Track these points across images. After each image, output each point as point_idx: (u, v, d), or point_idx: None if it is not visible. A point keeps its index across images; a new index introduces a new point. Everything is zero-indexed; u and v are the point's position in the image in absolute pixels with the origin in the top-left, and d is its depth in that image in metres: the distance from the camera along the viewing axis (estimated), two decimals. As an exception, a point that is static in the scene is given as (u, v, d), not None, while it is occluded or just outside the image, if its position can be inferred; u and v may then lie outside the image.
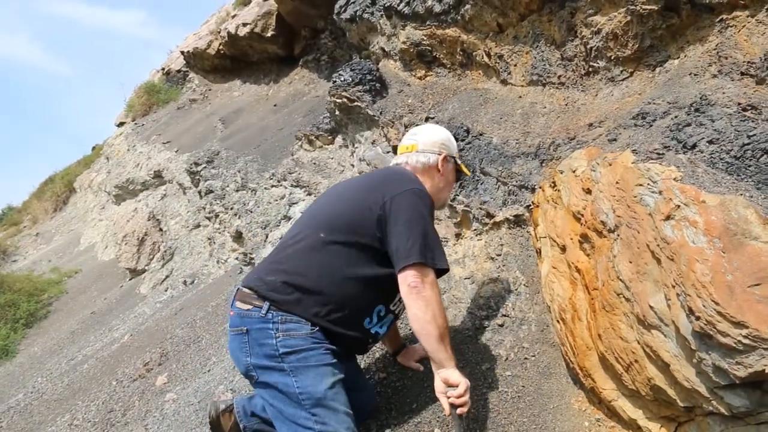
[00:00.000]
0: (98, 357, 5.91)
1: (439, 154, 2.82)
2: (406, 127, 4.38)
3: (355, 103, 5.04)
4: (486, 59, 4.44)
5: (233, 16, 10.56)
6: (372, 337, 2.67)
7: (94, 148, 17.80)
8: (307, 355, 2.37)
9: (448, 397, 2.38)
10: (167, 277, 7.75)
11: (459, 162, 2.96)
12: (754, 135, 2.33)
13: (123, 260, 8.72)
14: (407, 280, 2.35)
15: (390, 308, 2.66)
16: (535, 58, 3.98)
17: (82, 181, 15.19)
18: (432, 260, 2.40)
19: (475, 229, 3.71)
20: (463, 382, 2.37)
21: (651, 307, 2.20)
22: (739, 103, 2.51)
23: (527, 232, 3.41)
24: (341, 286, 2.46)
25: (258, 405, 2.81)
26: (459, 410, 2.38)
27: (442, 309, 2.40)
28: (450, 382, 2.38)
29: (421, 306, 2.34)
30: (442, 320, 2.39)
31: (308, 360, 2.37)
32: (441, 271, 2.49)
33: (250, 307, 2.46)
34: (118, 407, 4.42)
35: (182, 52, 11.93)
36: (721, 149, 2.39)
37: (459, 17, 4.50)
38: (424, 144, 2.84)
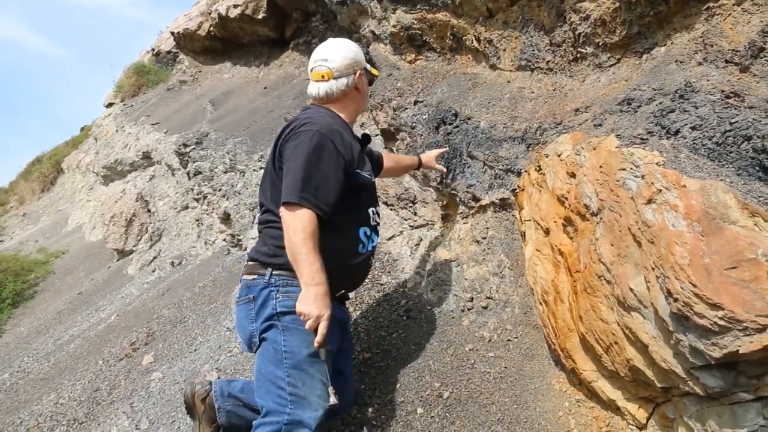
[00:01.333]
0: (85, 337, 5.90)
1: (354, 73, 2.81)
2: (394, 110, 4.38)
3: (345, 87, 5.04)
4: (476, 44, 4.44)
5: (224, -3, 10.48)
6: (371, 255, 2.81)
7: (82, 128, 17.65)
8: (300, 319, 2.40)
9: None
10: (155, 258, 7.72)
11: (369, 68, 2.94)
12: (736, 122, 2.36)
13: (111, 241, 8.67)
14: (282, 214, 2.39)
15: (373, 224, 2.76)
16: (524, 43, 3.99)
17: (70, 162, 15.06)
18: (306, 201, 2.38)
19: (461, 213, 3.73)
20: (305, 311, 2.34)
21: (631, 290, 2.23)
22: (723, 91, 2.53)
23: (512, 215, 3.43)
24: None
25: (237, 386, 2.84)
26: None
27: (307, 237, 2.34)
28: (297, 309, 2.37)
29: (288, 236, 2.36)
30: (307, 244, 2.33)
31: (301, 323, 2.39)
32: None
33: (255, 276, 2.56)
34: (104, 386, 4.43)
35: (172, 33, 11.82)
36: (704, 135, 2.42)
37: (449, 1, 4.50)
38: (338, 69, 2.77)
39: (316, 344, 2.36)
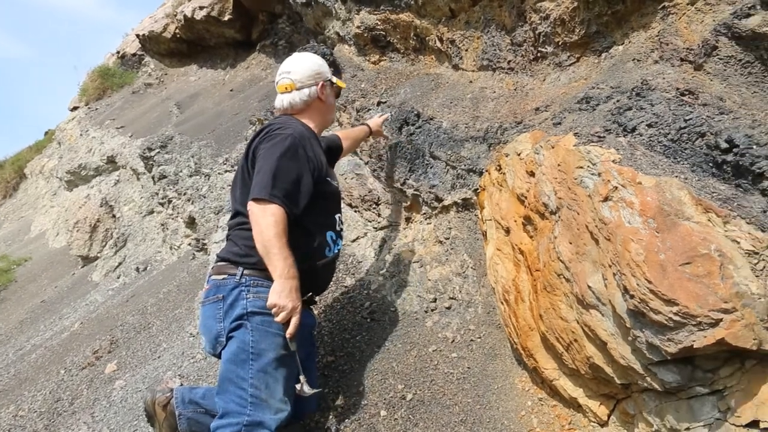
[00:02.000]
0: (47, 346, 5.79)
1: (317, 84, 2.92)
2: (358, 111, 4.37)
3: (309, 87, 5.01)
4: (438, 44, 4.44)
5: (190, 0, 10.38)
6: (336, 259, 2.92)
7: (46, 133, 17.38)
8: (270, 321, 2.44)
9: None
10: (120, 264, 7.61)
11: (335, 80, 3.07)
12: (691, 119, 2.38)
13: (75, 247, 8.53)
14: (251, 211, 2.46)
15: (338, 229, 2.87)
16: (486, 43, 4.00)
17: (33, 167, 14.81)
18: (272, 195, 2.43)
19: (424, 213, 3.73)
20: (280, 303, 2.39)
21: (589, 287, 2.24)
22: (678, 89, 2.55)
23: (475, 215, 3.43)
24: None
25: (199, 393, 2.82)
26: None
27: (277, 233, 2.39)
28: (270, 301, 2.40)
29: (256, 231, 2.43)
30: (277, 240, 2.39)
31: (270, 325, 2.44)
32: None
33: (225, 275, 2.57)
34: (66, 396, 4.35)
35: (138, 36, 11.68)
36: (660, 132, 2.44)
37: (412, 2, 4.50)
38: (300, 81, 2.90)
39: (288, 335, 2.40)
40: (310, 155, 2.63)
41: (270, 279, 2.43)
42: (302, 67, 2.93)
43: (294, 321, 2.39)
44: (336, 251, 2.84)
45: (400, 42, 4.89)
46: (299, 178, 2.54)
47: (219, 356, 2.55)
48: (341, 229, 2.92)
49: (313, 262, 2.67)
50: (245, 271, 2.54)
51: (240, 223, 2.66)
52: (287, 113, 2.92)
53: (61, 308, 7.21)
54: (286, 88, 2.91)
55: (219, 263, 2.66)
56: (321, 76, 2.95)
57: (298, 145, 2.58)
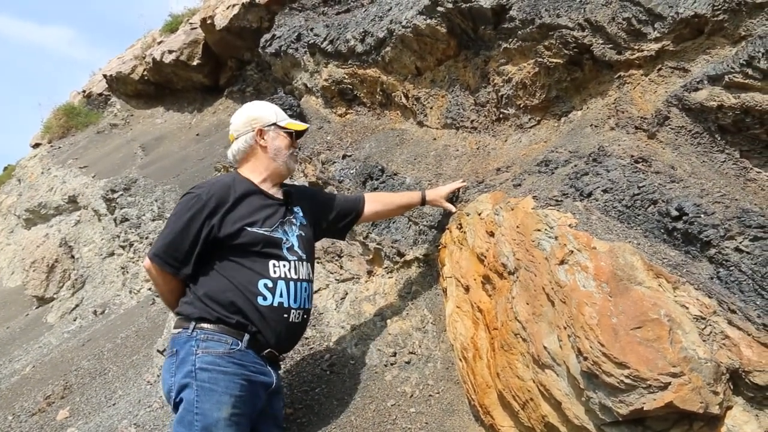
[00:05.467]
0: (-5, 390, 5.63)
1: (253, 130, 2.88)
2: (323, 163, 4.42)
3: (275, 137, 5.06)
4: (404, 100, 4.55)
5: (159, 42, 10.42)
6: (286, 311, 2.74)
7: (5, 168, 17.09)
8: (217, 378, 2.46)
9: None
10: (77, 306, 7.47)
11: (282, 124, 2.96)
12: (644, 186, 2.49)
13: (30, 287, 8.35)
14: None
15: (274, 276, 2.73)
16: (450, 102, 4.11)
17: (-10, 203, 14.53)
18: (159, 258, 2.65)
19: (386, 267, 3.77)
20: None
21: (545, 348, 2.29)
22: (632, 156, 2.66)
23: (436, 271, 3.49)
24: (214, 283, 2.67)
25: None
26: None
27: (165, 291, 2.79)
28: None
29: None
30: (166, 297, 2.83)
31: (217, 383, 2.45)
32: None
33: (180, 329, 2.61)
34: (14, 444, 4.23)
35: (105, 76, 11.66)
36: (614, 198, 2.54)
37: (380, 58, 4.61)
38: (236, 129, 2.92)
39: None
40: (217, 212, 2.66)
41: (221, 332, 2.54)
42: (239, 115, 2.95)
43: None
44: (279, 302, 2.71)
45: (366, 96, 5.00)
46: (190, 238, 2.62)
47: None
48: (284, 276, 2.76)
49: (246, 312, 2.63)
50: (197, 325, 2.57)
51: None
52: (235, 165, 2.97)
53: (12, 350, 7.01)
54: (230, 139, 2.95)
55: (177, 316, 2.73)
56: (257, 121, 2.89)
57: (198, 206, 2.64)
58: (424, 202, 3.38)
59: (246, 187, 2.79)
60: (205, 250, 2.66)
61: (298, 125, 3.04)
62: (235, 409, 2.47)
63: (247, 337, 2.61)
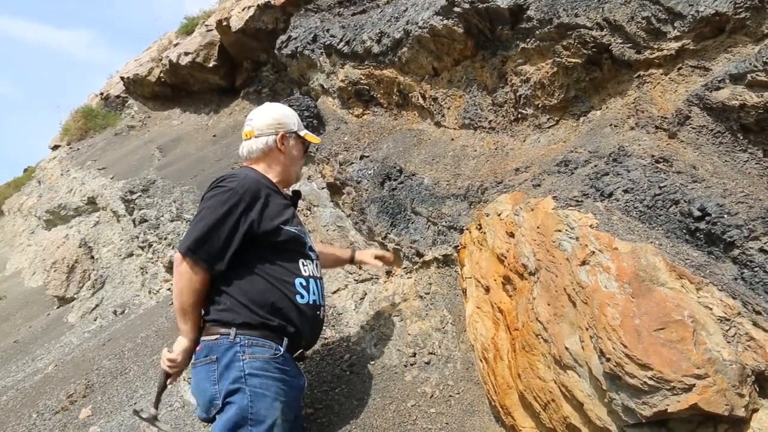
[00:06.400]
0: (19, 388, 5.68)
1: (276, 134, 2.89)
2: (341, 164, 4.44)
3: (293, 139, 5.07)
4: (421, 101, 4.55)
5: (175, 45, 10.48)
6: (319, 309, 2.83)
7: (26, 170, 17.28)
8: (268, 384, 2.45)
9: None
10: (97, 306, 7.54)
11: (302, 134, 3.01)
12: (665, 186, 2.47)
13: (51, 287, 8.43)
14: (175, 259, 2.57)
15: (306, 275, 2.77)
16: (468, 102, 4.11)
17: (11, 204, 14.68)
18: (193, 253, 2.51)
19: (405, 267, 3.77)
20: (176, 351, 2.63)
21: (567, 349, 2.28)
22: (653, 156, 2.65)
23: (455, 271, 3.49)
24: (251, 285, 2.60)
25: None
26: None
27: (189, 291, 2.54)
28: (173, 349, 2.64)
29: (173, 283, 2.61)
30: (186, 298, 2.55)
31: (269, 388, 2.44)
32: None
33: (217, 336, 2.53)
34: (37, 442, 4.28)
35: (122, 78, 11.75)
36: (635, 198, 2.53)
37: (396, 59, 4.62)
38: (259, 128, 2.89)
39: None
40: (254, 206, 2.61)
41: (264, 337, 2.51)
42: (264, 115, 2.93)
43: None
44: (313, 299, 2.75)
45: (383, 97, 5.00)
46: (226, 232, 2.53)
47: (211, 420, 2.51)
48: (312, 275, 2.81)
49: (286, 312, 2.62)
50: (238, 331, 2.51)
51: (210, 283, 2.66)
52: (247, 162, 2.94)
53: (34, 349, 7.09)
54: (246, 135, 2.92)
55: (207, 324, 2.62)
56: (282, 126, 2.91)
57: (237, 198, 2.57)
58: (352, 259, 3.53)
59: (270, 185, 2.80)
60: (240, 248, 2.58)
61: (314, 138, 3.09)
62: (284, 415, 2.48)
63: (286, 341, 2.60)
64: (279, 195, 2.82)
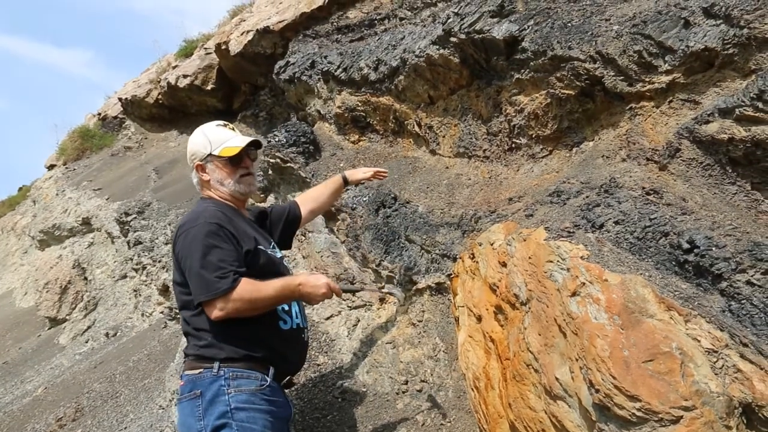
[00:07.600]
0: (6, 411, 5.65)
1: (194, 166, 2.76)
2: (336, 190, 4.46)
3: (288, 164, 5.09)
4: (417, 129, 4.60)
5: (174, 67, 10.55)
6: (302, 332, 2.76)
7: (20, 189, 17.24)
8: (255, 417, 2.38)
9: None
10: (89, 327, 7.51)
11: (216, 153, 2.72)
12: (655, 218, 2.51)
13: (43, 308, 8.40)
14: (212, 315, 2.40)
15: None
16: (463, 131, 4.16)
17: (5, 223, 14.63)
18: (214, 291, 2.38)
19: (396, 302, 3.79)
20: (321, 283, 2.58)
21: (557, 379, 2.30)
22: (644, 187, 2.69)
23: (448, 299, 3.50)
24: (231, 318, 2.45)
25: None
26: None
27: (252, 300, 2.42)
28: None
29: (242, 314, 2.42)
30: (263, 296, 2.44)
31: (256, 422, 2.37)
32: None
33: (201, 370, 2.45)
34: (26, 466, 4.25)
35: (120, 99, 11.80)
36: (626, 230, 2.56)
37: (393, 87, 4.67)
38: (189, 164, 2.81)
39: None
40: (232, 231, 2.54)
41: (249, 369, 2.44)
42: (187, 149, 2.84)
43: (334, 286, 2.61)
44: (296, 323, 2.70)
45: (379, 124, 5.05)
46: (228, 251, 2.45)
47: None
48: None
49: (270, 341, 2.56)
50: (222, 365, 2.43)
51: (187, 321, 2.58)
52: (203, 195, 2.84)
53: (24, 371, 7.06)
54: None
55: (190, 358, 2.55)
56: (195, 156, 2.75)
57: (213, 227, 2.48)
58: (346, 182, 3.52)
59: (227, 211, 2.69)
60: None
61: (231, 149, 2.74)
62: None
63: (272, 370, 2.53)
64: (241, 218, 2.75)
